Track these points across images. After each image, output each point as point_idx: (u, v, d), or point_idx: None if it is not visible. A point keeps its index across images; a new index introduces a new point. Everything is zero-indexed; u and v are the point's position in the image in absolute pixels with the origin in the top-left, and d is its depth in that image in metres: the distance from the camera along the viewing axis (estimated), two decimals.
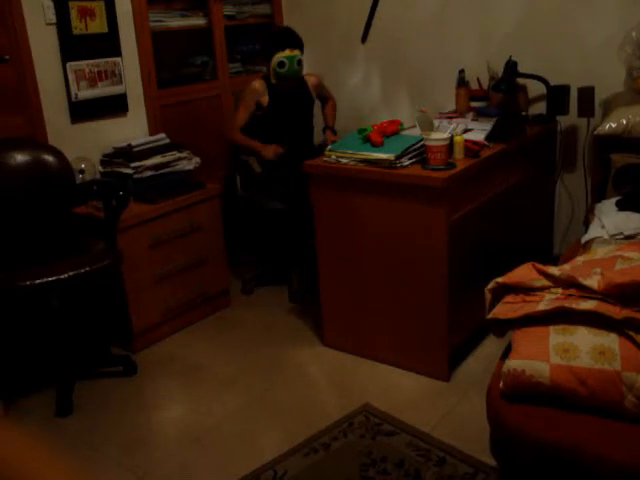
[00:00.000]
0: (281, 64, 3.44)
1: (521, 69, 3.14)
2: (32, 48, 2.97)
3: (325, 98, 3.85)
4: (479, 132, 2.81)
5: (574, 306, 1.64)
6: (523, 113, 3.26)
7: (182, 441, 2.44)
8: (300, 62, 3.50)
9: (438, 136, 2.51)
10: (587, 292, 1.69)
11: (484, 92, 3.33)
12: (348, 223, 2.74)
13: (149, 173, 3.20)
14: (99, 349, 3.15)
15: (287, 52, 3.44)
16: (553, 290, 1.77)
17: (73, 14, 3.08)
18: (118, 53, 3.31)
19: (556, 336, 1.63)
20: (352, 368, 2.85)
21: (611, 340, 1.57)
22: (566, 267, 1.85)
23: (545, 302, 1.72)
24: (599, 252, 1.95)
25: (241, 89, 3.65)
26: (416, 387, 2.67)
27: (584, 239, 2.45)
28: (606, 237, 2.35)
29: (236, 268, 3.79)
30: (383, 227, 2.64)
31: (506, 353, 1.78)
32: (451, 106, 3.48)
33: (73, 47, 3.11)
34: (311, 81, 3.72)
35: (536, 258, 2.02)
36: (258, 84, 3.53)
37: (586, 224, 2.76)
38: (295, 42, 3.50)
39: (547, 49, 3.23)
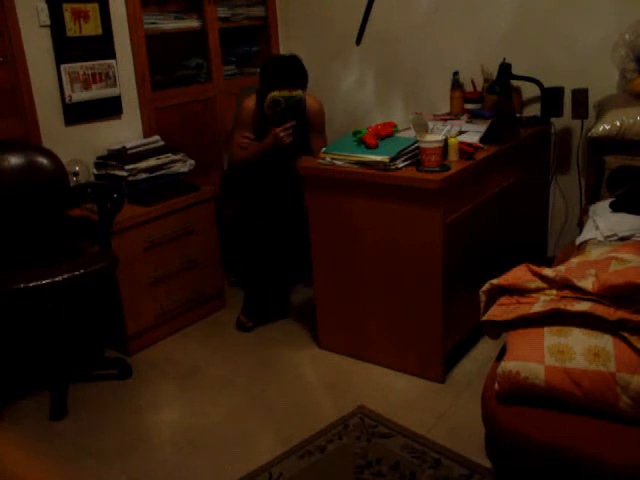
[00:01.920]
0: (275, 103, 2.96)
1: (515, 71, 3.15)
2: (26, 50, 2.97)
3: (310, 144, 3.23)
4: (473, 134, 2.81)
5: (568, 307, 1.64)
6: (517, 115, 3.27)
7: (177, 444, 2.43)
8: (300, 102, 2.99)
9: (432, 138, 2.51)
10: (581, 293, 1.69)
11: (478, 94, 3.34)
12: (343, 225, 2.74)
13: (143, 175, 3.20)
14: (94, 352, 3.14)
15: (285, 92, 2.96)
16: (547, 292, 1.77)
17: (67, 16, 3.07)
18: (112, 55, 3.30)
19: (551, 337, 1.64)
20: (347, 370, 2.85)
21: (605, 341, 1.58)
22: (560, 268, 1.86)
23: (539, 304, 1.72)
24: (593, 253, 1.95)
25: (239, 107, 3.36)
26: (411, 389, 2.67)
27: (578, 240, 2.45)
28: (600, 238, 2.35)
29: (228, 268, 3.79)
30: (378, 229, 2.64)
31: (501, 355, 1.78)
32: (445, 108, 3.49)
33: (67, 49, 3.10)
34: (312, 105, 3.19)
35: (531, 259, 2.02)
36: (251, 103, 3.18)
37: (580, 226, 2.77)
38: (298, 80, 3.01)
39: (541, 51, 3.23)
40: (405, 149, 2.59)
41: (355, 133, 2.75)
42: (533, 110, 3.32)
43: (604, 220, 2.44)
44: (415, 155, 2.59)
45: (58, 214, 2.95)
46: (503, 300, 1.83)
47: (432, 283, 2.56)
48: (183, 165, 3.36)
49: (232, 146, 3.29)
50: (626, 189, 2.58)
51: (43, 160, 2.88)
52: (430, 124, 2.86)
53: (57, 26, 3.05)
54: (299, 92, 2.99)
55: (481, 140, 2.77)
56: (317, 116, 3.23)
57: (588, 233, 2.44)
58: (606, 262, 1.80)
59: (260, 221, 3.16)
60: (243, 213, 3.24)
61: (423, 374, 2.72)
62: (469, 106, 3.31)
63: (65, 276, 2.55)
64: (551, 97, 3.13)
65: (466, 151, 2.64)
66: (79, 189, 3.05)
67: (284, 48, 4.18)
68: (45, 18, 3.01)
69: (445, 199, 2.46)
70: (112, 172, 3.19)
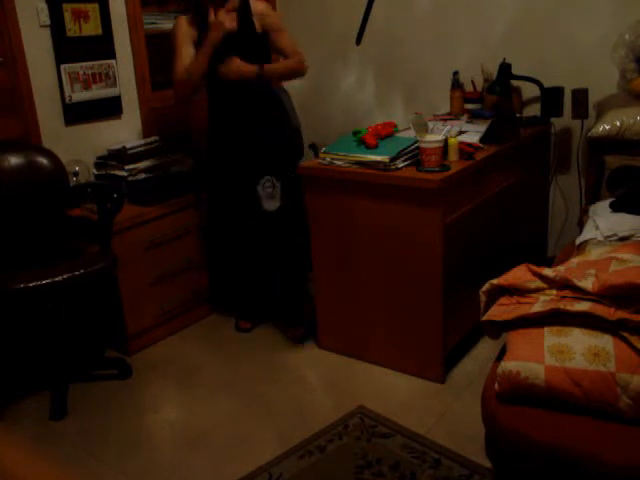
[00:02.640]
0: None
1: (515, 71, 3.15)
2: (26, 50, 2.97)
3: (277, 48, 2.91)
4: (473, 134, 2.81)
5: (568, 307, 1.64)
6: (517, 115, 3.27)
7: (177, 444, 2.43)
8: None
9: (432, 138, 2.51)
10: (581, 293, 1.69)
11: (478, 94, 3.34)
12: (343, 225, 2.74)
13: (143, 175, 3.20)
14: (94, 352, 3.14)
15: None
16: (547, 292, 1.77)
17: (67, 16, 3.07)
18: (112, 55, 3.30)
19: (551, 337, 1.64)
20: (347, 370, 2.85)
21: (605, 341, 1.58)
22: (560, 268, 1.86)
23: (539, 304, 1.72)
24: (593, 253, 1.95)
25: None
26: (411, 389, 2.67)
27: (578, 240, 2.45)
28: (600, 238, 2.35)
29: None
30: (378, 229, 2.64)
31: (501, 355, 1.78)
32: (445, 108, 3.49)
33: (67, 49, 3.10)
34: (256, 8, 2.87)
35: (531, 259, 2.02)
36: (182, 20, 2.88)
37: (580, 226, 2.77)
38: None
39: (541, 51, 3.23)
40: (405, 149, 2.59)
41: (355, 133, 2.75)
42: (533, 110, 3.32)
43: (604, 220, 2.45)
44: (415, 155, 2.59)
45: (58, 214, 2.95)
46: (503, 300, 1.84)
47: (432, 283, 2.56)
48: (183, 165, 3.36)
49: (175, 68, 2.90)
50: (626, 189, 2.58)
51: (43, 160, 2.88)
52: (430, 124, 2.86)
53: (57, 26, 3.05)
54: None
55: (481, 140, 2.77)
56: (268, 15, 2.91)
57: (588, 233, 2.44)
58: (606, 262, 1.80)
59: (251, 220, 3.09)
60: (213, 208, 3.15)
61: (423, 374, 2.72)
62: (469, 106, 3.31)
63: (65, 276, 2.55)
64: (551, 97, 3.13)
65: (466, 151, 2.64)
66: (79, 189, 3.05)
67: None
68: (45, 18, 3.01)
69: (445, 199, 2.46)
70: (112, 172, 3.19)
